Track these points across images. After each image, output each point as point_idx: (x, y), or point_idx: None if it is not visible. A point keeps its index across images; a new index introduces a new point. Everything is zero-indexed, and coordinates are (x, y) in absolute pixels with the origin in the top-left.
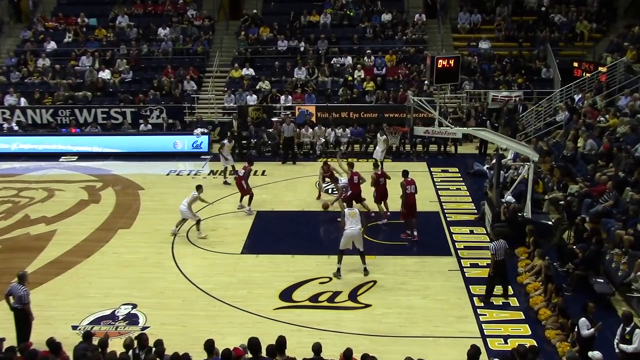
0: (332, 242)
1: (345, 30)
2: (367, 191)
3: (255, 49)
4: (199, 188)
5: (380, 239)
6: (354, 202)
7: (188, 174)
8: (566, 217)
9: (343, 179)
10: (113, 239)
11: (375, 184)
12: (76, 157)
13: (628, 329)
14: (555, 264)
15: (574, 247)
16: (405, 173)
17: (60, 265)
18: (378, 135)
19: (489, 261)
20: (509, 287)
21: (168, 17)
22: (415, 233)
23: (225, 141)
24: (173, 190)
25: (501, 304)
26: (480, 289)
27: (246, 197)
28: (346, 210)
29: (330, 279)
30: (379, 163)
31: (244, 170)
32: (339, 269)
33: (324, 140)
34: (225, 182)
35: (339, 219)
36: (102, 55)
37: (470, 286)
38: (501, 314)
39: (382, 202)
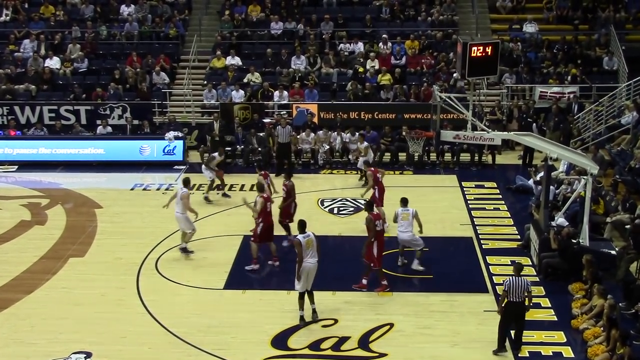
0: (337, 275)
1: (356, 10)
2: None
3: (242, 33)
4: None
5: (397, 272)
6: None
7: (158, 189)
8: (634, 245)
9: None
10: (62, 270)
11: (375, 182)
12: (16, 166)
13: None
14: (620, 304)
15: None
16: (369, 206)
17: None
18: (358, 144)
19: (534, 300)
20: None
21: None
22: (386, 282)
23: (215, 154)
24: (138, 209)
25: (551, 354)
26: (524, 335)
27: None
28: (300, 237)
29: (336, 321)
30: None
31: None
32: (302, 317)
33: (327, 147)
34: (206, 199)
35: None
36: (49, 38)
37: (512, 331)
38: None
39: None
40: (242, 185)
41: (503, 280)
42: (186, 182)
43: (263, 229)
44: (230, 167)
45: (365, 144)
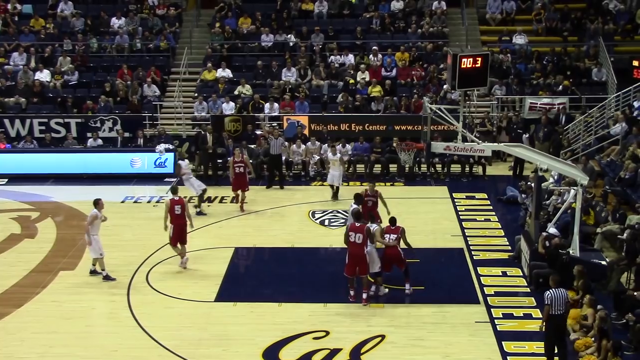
0: (328, 287)
1: (346, 22)
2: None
3: (233, 45)
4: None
5: (389, 283)
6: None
7: (149, 201)
8: (625, 255)
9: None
10: (52, 283)
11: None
12: (6, 179)
13: None
14: (612, 315)
15: (635, 293)
16: (357, 215)
17: None
18: (329, 153)
19: (525, 311)
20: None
21: (124, 5)
22: (353, 292)
23: (182, 161)
24: (129, 222)
25: None
26: (515, 346)
27: None
28: (330, 154)
29: (327, 333)
30: (335, 189)
31: None
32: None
33: (318, 158)
34: (200, 213)
35: None
36: (39, 51)
37: (503, 342)
38: None
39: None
40: (233, 198)
41: (544, 295)
42: (96, 203)
43: (174, 231)
44: (221, 179)
45: (338, 155)
